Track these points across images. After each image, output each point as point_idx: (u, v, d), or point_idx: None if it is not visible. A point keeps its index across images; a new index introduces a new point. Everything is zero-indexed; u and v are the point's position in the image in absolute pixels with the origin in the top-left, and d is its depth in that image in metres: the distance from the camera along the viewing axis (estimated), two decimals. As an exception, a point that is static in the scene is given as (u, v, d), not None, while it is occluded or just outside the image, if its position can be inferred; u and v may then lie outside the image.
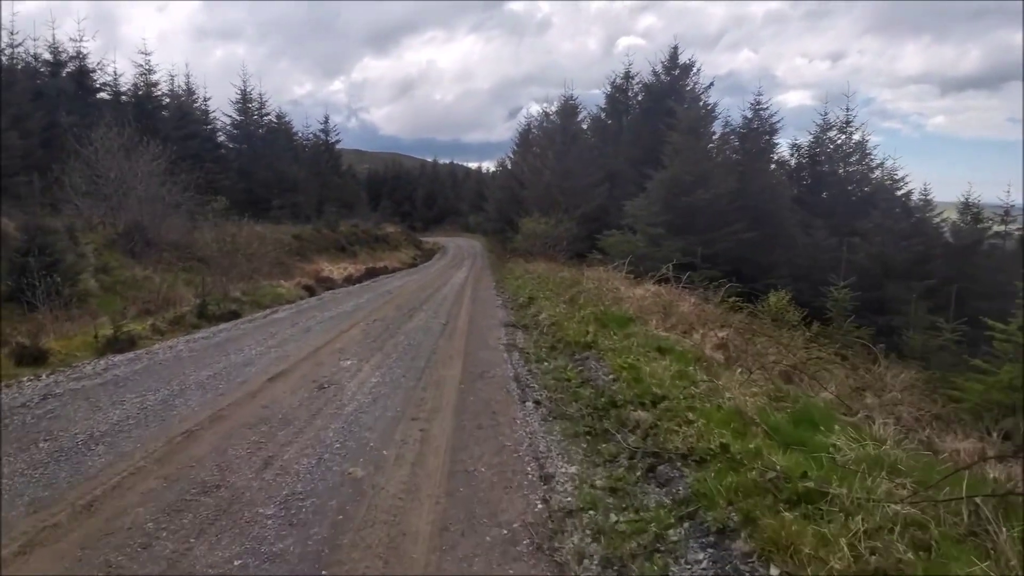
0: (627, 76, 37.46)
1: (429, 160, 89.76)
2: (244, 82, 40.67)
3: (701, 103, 33.49)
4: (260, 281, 21.30)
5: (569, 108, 37.21)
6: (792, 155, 32.91)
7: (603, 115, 39.06)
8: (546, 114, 40.91)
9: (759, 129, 31.05)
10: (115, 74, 32.50)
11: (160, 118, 32.56)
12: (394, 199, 72.67)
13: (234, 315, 15.18)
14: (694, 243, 24.04)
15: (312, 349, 10.30)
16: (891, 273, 26.21)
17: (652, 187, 26.12)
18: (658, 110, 34.39)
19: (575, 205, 33.21)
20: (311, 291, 20.31)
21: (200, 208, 26.44)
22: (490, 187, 60.36)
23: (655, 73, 35.21)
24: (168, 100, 36.41)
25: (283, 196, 39.47)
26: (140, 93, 32.65)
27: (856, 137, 30.73)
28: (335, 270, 28.21)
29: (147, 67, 32.84)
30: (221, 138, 40.06)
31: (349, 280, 25.02)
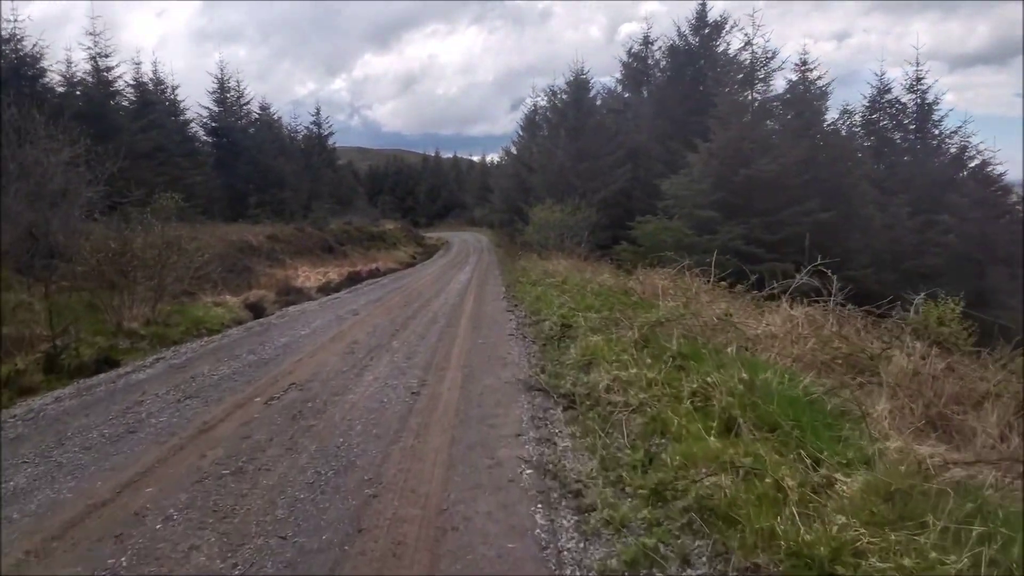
0: (646, 41, 31.01)
1: (431, 154, 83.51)
2: (221, 71, 34.47)
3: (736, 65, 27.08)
4: (201, 298, 15.30)
5: (581, 82, 30.81)
6: (843, 121, 26.27)
7: (619, 87, 32.58)
8: (553, 92, 34.51)
9: (809, 92, 24.47)
10: (67, 62, 26.13)
11: (112, 107, 26.17)
12: (396, 195, 66.33)
13: (108, 364, 9.26)
14: (756, 228, 17.69)
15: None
16: (996, 258, 19.84)
17: (697, 160, 19.70)
18: (686, 76, 27.95)
19: (593, 190, 26.89)
20: (257, 311, 14.17)
21: (138, 208, 20.48)
22: (495, 177, 53.96)
23: (681, 34, 28.70)
24: (131, 91, 30.08)
25: (267, 192, 33.24)
26: (89, 81, 26.29)
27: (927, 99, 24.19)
28: (312, 276, 21.99)
29: (97, 51, 26.42)
30: (195, 130, 33.77)
31: (325, 289, 18.85)
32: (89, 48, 25.82)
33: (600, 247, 23.76)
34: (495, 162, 70.07)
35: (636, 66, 31.27)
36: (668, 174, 23.04)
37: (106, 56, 27.04)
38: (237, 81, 34.87)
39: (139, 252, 12.76)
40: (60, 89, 25.24)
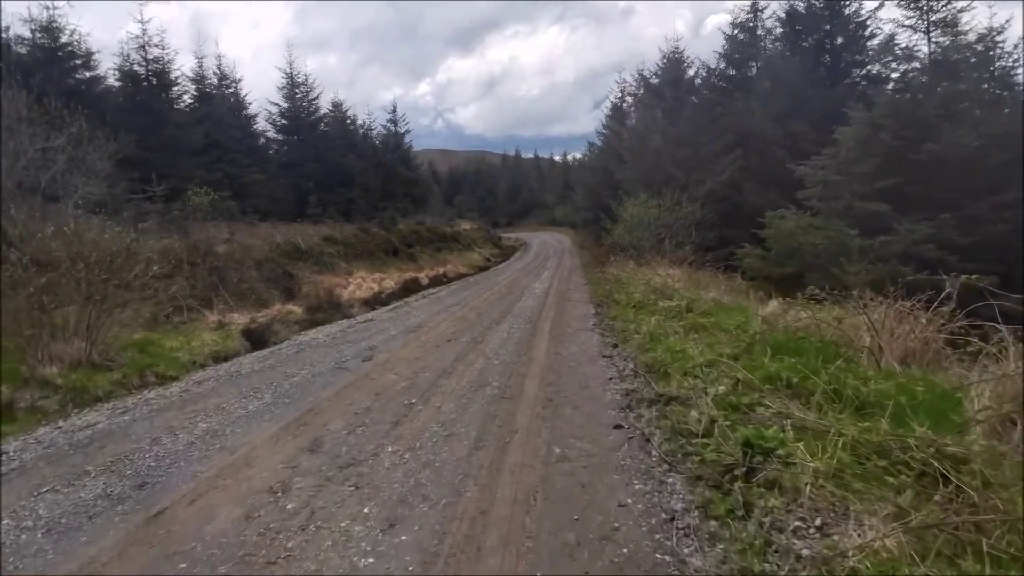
0: (755, 10, 25.10)
1: (511, 154, 78.64)
2: (290, 64, 30.87)
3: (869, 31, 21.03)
4: (207, 317, 11.32)
5: (677, 58, 25.38)
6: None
7: (722, 65, 26.70)
8: (643, 77, 29.06)
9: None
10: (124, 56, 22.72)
11: (160, 101, 22.65)
12: (475, 194, 62.01)
13: None
14: (946, 225, 12.02)
15: None
16: None
17: (850, 135, 14.03)
18: (807, 44, 22.11)
19: (696, 181, 21.45)
20: (258, 340, 9.87)
21: (165, 207, 16.71)
22: (578, 173, 48.66)
23: (801, -6, 22.67)
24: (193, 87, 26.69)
25: (334, 191, 29.45)
26: (134, 73, 22.83)
27: None
28: (365, 283, 17.76)
29: (146, 41, 22.88)
30: (262, 128, 30.26)
31: (371, 302, 14.55)
32: (139, 38, 22.33)
33: (704, 249, 18.40)
34: (577, 160, 64.69)
35: (743, 38, 25.47)
36: (790, 160, 17.49)
37: (158, 47, 23.57)
38: (305, 76, 31.20)
39: (68, 256, 8.59)
40: (116, 84, 22.04)
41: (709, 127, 22.85)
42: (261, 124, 30.06)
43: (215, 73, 26.91)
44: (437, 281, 19.48)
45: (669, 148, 22.49)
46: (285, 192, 27.20)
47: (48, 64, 17.98)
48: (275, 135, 31.03)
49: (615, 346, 8.03)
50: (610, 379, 6.35)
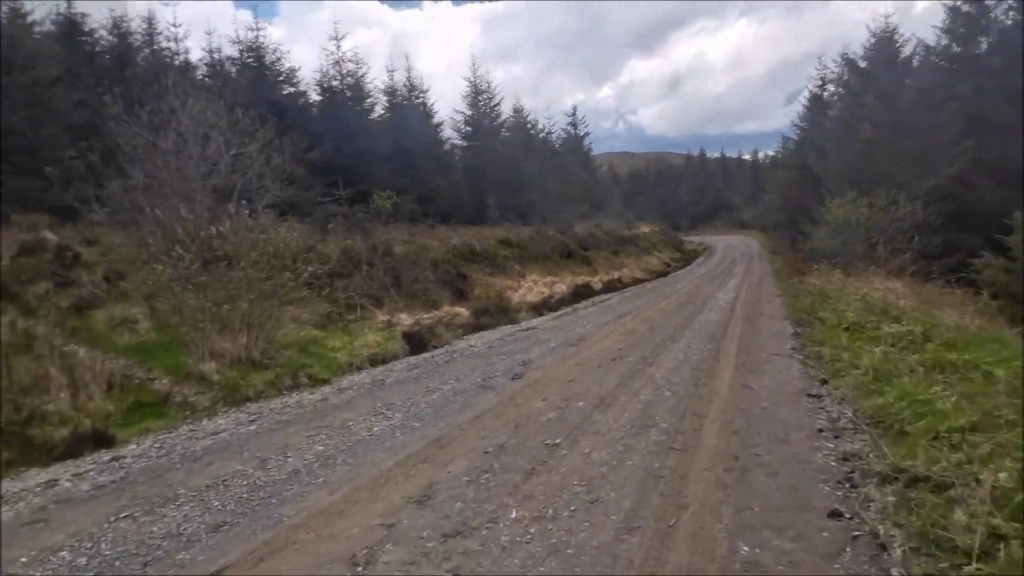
0: (990, -29, 20.55)
1: (695, 154, 74.05)
2: (474, 73, 31.28)
3: None
4: (376, 316, 11.15)
5: (888, 37, 21.66)
6: None
7: (944, 41, 22.22)
8: (848, 60, 25.28)
9: None
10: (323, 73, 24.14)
11: (350, 112, 23.75)
12: (656, 196, 59.24)
13: (100, 443, 5.06)
14: None
15: None
16: None
17: None
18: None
19: (916, 176, 17.96)
20: (418, 343, 9.32)
21: (349, 209, 17.18)
22: (769, 172, 44.39)
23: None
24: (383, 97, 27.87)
25: (514, 194, 29.30)
26: (332, 87, 24.18)
27: None
28: (536, 287, 16.96)
29: (340, 57, 24.06)
30: (448, 135, 30.95)
31: (539, 308, 13.64)
32: (333, 54, 23.59)
33: (927, 257, 15.17)
34: (768, 157, 59.19)
35: (969, 9, 21.00)
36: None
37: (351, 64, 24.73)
38: (488, 84, 31.41)
39: (242, 253, 8.54)
40: (316, 98, 23.56)
41: (931, 114, 19.07)
42: (447, 132, 30.81)
43: (405, 86, 27.95)
44: (611, 286, 18.19)
45: (882, 139, 19.09)
46: (466, 196, 27.46)
47: (257, 81, 19.51)
48: (459, 142, 31.63)
49: (824, 382, 6.17)
50: (820, 432, 4.67)
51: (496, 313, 12.63)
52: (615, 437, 4.55)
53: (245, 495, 3.80)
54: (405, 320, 11.15)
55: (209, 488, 3.93)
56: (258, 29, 20.85)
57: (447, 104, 63.73)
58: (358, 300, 11.90)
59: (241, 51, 20.51)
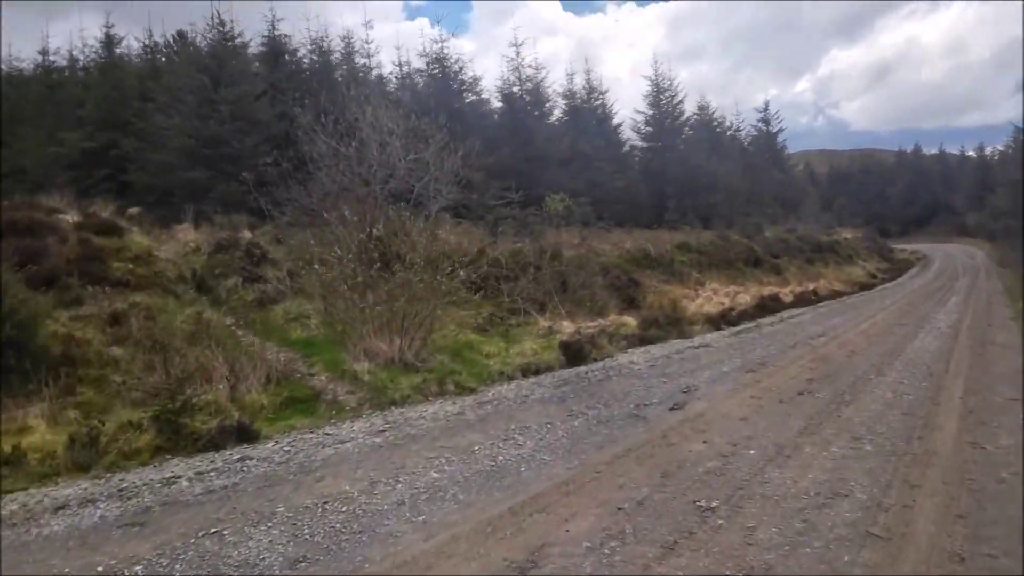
0: None
1: (908, 150, 64.39)
2: (655, 71, 29.74)
3: None
4: (538, 322, 10.72)
5: None
6: None
7: None
8: None
9: None
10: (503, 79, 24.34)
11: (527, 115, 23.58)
12: (860, 199, 52.47)
13: (243, 437, 5.23)
14: None
15: None
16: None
17: None
18: None
19: None
20: (575, 355, 8.56)
21: (520, 212, 16.84)
22: (998, 170, 37.25)
23: None
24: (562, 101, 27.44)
25: (696, 196, 27.43)
26: (512, 94, 24.16)
27: None
28: (717, 297, 15.44)
29: (519, 63, 23.98)
30: (626, 136, 29.71)
31: (716, 321, 12.21)
32: (511, 59, 23.58)
33: None
34: (997, 153, 49.66)
35: None
36: None
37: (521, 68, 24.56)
38: (670, 81, 29.67)
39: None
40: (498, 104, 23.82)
41: None
42: (626, 133, 29.65)
43: (584, 88, 27.25)
44: (803, 299, 16.02)
45: None
46: (644, 198, 26.18)
47: (441, 90, 20.02)
48: (639, 142, 30.29)
49: None
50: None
51: (667, 325, 11.49)
52: (792, 507, 3.43)
53: (339, 525, 3.35)
54: (567, 328, 10.50)
55: (307, 510, 3.56)
56: (443, 42, 21.55)
57: (628, 106, 62.25)
58: (522, 304, 11.48)
59: (428, 63, 21.35)
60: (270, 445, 5.12)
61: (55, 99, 15.84)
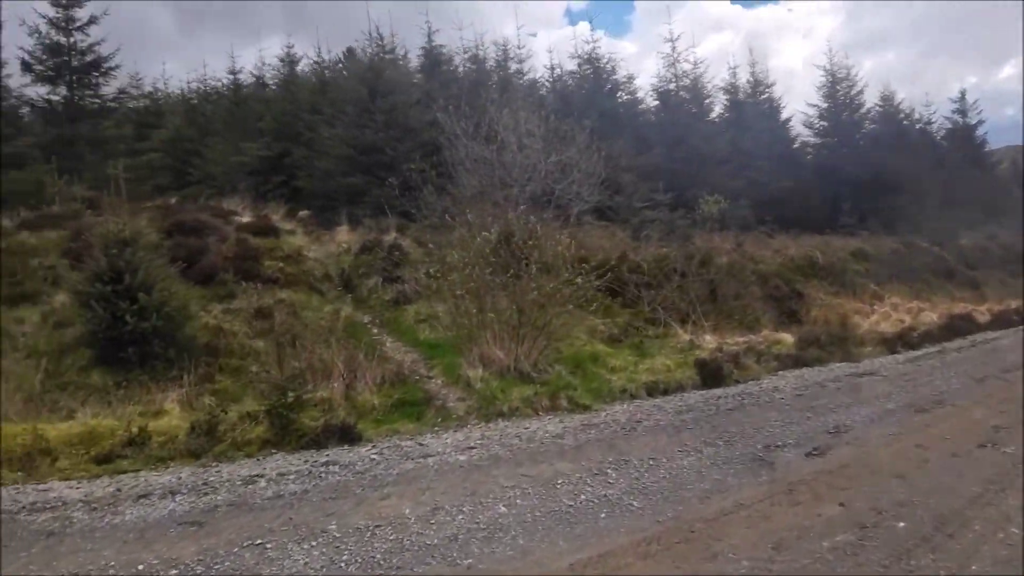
0: None
1: None
2: (830, 59, 26.60)
3: None
4: (678, 334, 9.97)
5: None
6: None
7: None
8: None
9: None
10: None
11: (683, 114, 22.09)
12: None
13: (345, 439, 5.38)
14: None
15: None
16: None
17: None
18: None
19: None
20: (712, 376, 7.60)
21: (669, 215, 15.65)
22: None
23: None
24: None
25: (878, 198, 24.21)
26: (667, 91, 22.74)
27: None
28: (895, 313, 13.29)
29: (675, 58, 22.51)
30: (797, 131, 26.86)
31: (899, 340, 10.38)
32: (669, 55, 22.25)
33: None
34: None
35: None
36: None
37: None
38: (847, 71, 26.34)
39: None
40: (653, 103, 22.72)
41: None
42: (797, 128, 26.87)
43: (749, 82, 25.09)
44: (1003, 320, 13.26)
45: None
46: (814, 200, 23.55)
47: (593, 91, 19.44)
48: (811, 138, 27.33)
49: None
50: None
51: (829, 345, 9.98)
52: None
53: (379, 557, 3.02)
54: (709, 342, 9.52)
55: (356, 532, 3.28)
56: (594, 42, 21.01)
57: (802, 100, 56.72)
58: (662, 315, 10.62)
59: (579, 64, 20.88)
60: (364, 450, 4.95)
61: (240, 114, 17.62)
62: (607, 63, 20.71)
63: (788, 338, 10.17)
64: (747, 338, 10.20)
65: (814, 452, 4.48)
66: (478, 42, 20.57)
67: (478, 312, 7.64)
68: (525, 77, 20.76)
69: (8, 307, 7.27)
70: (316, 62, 18.53)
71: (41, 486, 4.37)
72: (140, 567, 2.98)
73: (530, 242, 9.13)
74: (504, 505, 3.58)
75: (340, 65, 17.32)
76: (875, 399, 6.20)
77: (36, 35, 12.27)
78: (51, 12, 12.12)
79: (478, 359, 7.21)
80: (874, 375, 7.79)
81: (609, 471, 4.10)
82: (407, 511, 3.53)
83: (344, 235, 12.69)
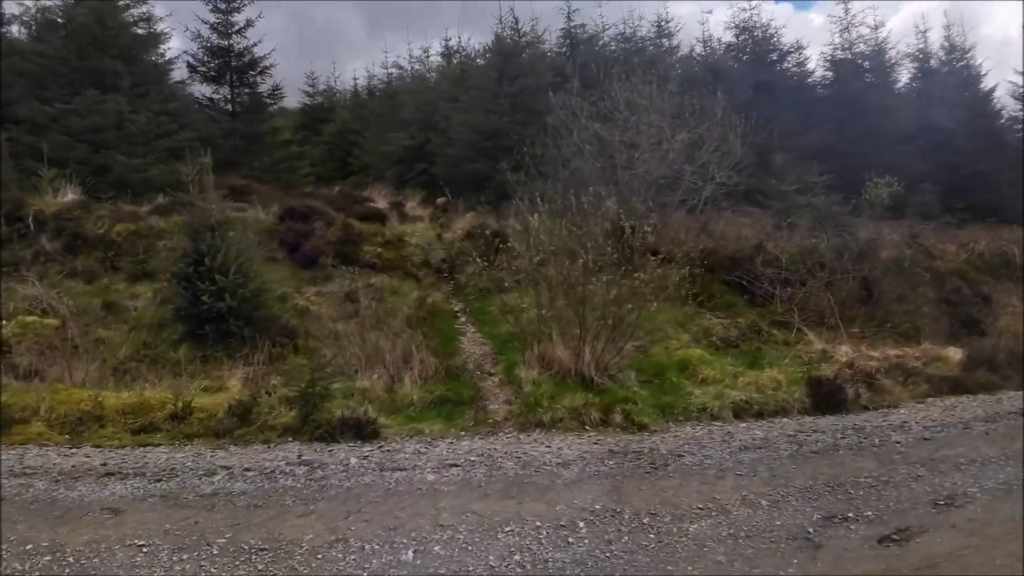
0: None
1: None
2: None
3: None
4: (814, 343, 8.44)
5: None
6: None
7: None
8: None
9: None
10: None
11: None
12: None
13: (363, 435, 5.08)
14: None
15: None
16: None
17: None
18: None
19: None
20: (829, 400, 6.05)
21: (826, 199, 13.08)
22: None
23: None
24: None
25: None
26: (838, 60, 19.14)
27: None
28: None
29: (849, 22, 18.76)
30: (1007, 106, 21.50)
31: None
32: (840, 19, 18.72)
33: None
34: None
35: None
36: None
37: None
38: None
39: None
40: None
41: None
42: (1004, 102, 21.52)
43: (943, 47, 20.48)
44: None
45: None
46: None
47: (750, 63, 17.11)
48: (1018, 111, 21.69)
49: None
50: None
51: (1008, 366, 7.70)
52: None
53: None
54: (845, 353, 7.76)
55: (236, 552, 2.81)
56: (751, 9, 18.36)
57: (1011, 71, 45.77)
58: (797, 318, 8.89)
59: (737, 35, 18.46)
60: (368, 449, 4.45)
61: (392, 106, 18.11)
62: (765, 29, 18.06)
63: (954, 355, 8.00)
64: (901, 351, 8.21)
65: (892, 538, 3.06)
66: (626, 18, 19.13)
67: (554, 305, 6.77)
68: (677, 53, 18.86)
69: (130, 283, 7.89)
70: (457, 51, 18.53)
71: (71, 450, 4.44)
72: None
73: (646, 229, 8.02)
74: (414, 551, 2.81)
75: (485, 53, 17.06)
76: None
77: (199, 39, 13.52)
78: (211, 18, 13.22)
79: (537, 359, 6.37)
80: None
81: (581, 526, 3.11)
82: (308, 537, 2.94)
83: (465, 221, 12.37)
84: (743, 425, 5.37)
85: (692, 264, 7.98)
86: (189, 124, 12.40)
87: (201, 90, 14.46)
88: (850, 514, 3.34)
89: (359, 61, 58.58)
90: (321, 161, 19.74)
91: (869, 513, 3.35)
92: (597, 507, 3.45)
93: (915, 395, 6.71)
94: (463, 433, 5.16)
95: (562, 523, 3.17)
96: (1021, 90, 21.02)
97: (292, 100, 21.29)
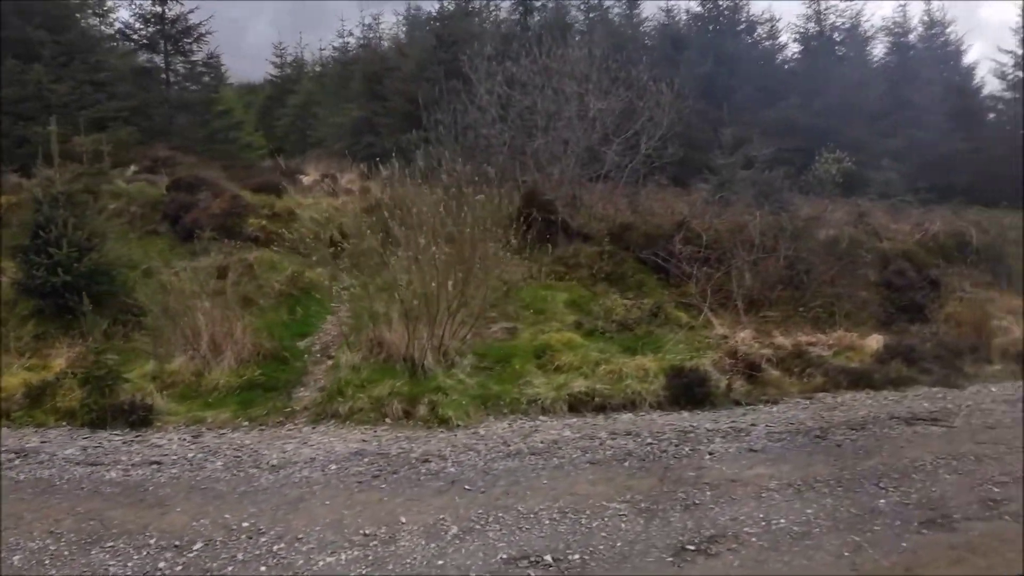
0: None
1: None
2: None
3: None
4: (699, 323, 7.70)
5: None
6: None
7: None
8: None
9: None
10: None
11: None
12: None
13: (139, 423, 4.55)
14: None
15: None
16: None
17: None
18: None
19: None
20: (686, 392, 5.34)
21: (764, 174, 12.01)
22: None
23: None
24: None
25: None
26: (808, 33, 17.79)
27: None
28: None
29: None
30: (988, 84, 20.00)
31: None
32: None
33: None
34: None
35: None
36: None
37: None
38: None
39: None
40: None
41: None
42: (986, 80, 20.01)
43: (923, 22, 19.04)
44: None
45: None
46: (999, 166, 17.29)
47: (709, 33, 15.93)
48: (1003, 92, 20.20)
49: None
50: None
51: (935, 358, 6.82)
52: None
53: None
54: (744, 340, 6.91)
55: None
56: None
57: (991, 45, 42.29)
58: (708, 299, 8.01)
59: (703, 3, 17.17)
60: (119, 440, 3.85)
61: (344, 76, 17.32)
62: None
63: (871, 344, 7.12)
64: (814, 339, 7.36)
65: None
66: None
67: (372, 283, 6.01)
68: (636, 20, 17.68)
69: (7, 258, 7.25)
70: (408, 18, 17.65)
71: None
72: None
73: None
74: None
75: (431, 19, 16.08)
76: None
77: (133, 5, 12.74)
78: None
79: (367, 341, 5.62)
80: (942, 422, 4.79)
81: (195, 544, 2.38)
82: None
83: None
84: (567, 421, 4.64)
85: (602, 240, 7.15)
86: (119, 94, 11.75)
87: (141, 59, 13.83)
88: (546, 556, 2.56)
89: (327, 31, 56.42)
90: (284, 134, 19.03)
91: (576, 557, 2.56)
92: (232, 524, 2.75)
93: (805, 389, 5.92)
94: (246, 424, 4.48)
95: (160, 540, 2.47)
96: (1002, 67, 19.50)
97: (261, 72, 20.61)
